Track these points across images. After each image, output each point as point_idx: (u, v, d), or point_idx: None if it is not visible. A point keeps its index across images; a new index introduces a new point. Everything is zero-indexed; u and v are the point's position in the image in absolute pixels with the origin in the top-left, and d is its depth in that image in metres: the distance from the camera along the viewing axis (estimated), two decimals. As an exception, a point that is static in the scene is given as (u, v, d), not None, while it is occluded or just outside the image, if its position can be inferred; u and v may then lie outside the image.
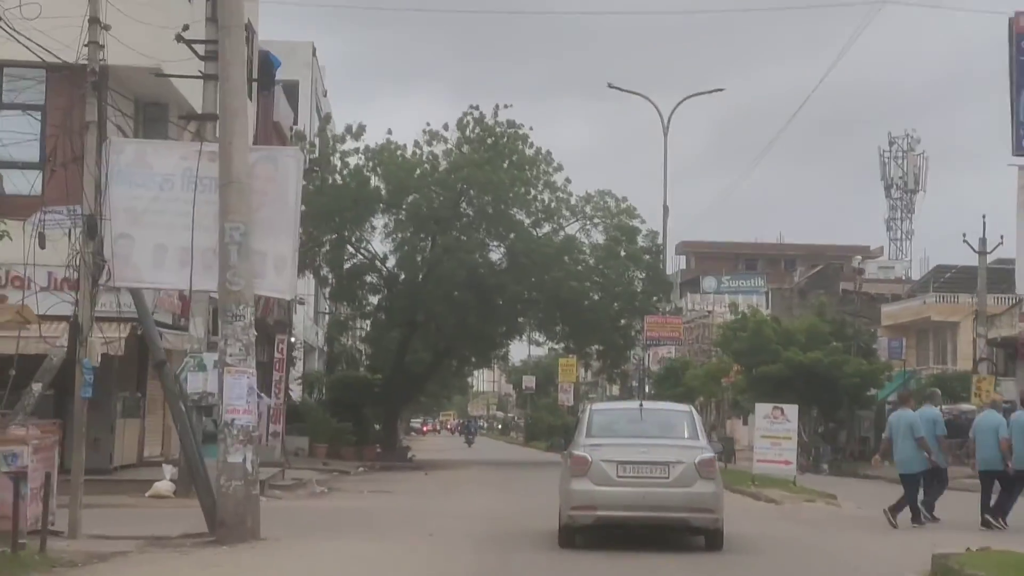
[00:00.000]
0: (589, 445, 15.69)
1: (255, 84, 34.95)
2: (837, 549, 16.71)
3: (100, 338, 18.15)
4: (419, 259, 47.26)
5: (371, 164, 46.49)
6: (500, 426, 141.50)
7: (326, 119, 49.45)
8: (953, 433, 26.11)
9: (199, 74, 23.36)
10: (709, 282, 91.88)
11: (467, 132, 47.38)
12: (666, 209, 42.42)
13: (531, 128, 47.83)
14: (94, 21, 16.55)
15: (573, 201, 48.71)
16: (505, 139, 47.33)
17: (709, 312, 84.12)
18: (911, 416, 19.70)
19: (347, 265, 48.26)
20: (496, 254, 48.35)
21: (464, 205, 47.44)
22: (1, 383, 16.87)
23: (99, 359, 16.75)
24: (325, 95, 64.06)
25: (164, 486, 22.63)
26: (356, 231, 47.25)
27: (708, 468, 15.35)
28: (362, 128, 46.63)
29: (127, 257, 16.33)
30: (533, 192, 47.79)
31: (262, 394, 23.24)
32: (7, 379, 16.91)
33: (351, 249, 48.28)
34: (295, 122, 47.57)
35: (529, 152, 47.89)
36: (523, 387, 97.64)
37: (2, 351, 18.17)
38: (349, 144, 46.63)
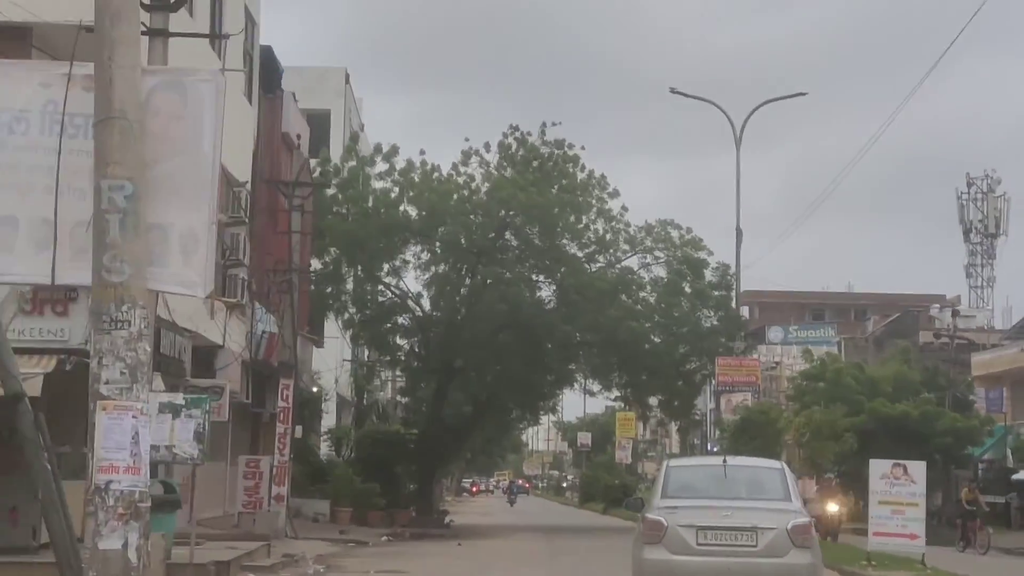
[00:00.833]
0: (665, 507, 14.11)
1: (255, 86, 29.73)
2: None
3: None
4: (456, 297, 41.70)
5: (401, 188, 41.09)
6: (543, 485, 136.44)
7: (354, 138, 43.94)
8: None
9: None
10: (776, 332, 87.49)
11: (510, 153, 41.90)
12: (739, 233, 36.57)
13: (583, 148, 42.40)
14: None
15: (631, 231, 43.03)
16: (553, 161, 41.81)
17: (776, 364, 79.83)
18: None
19: (374, 305, 42.70)
20: (544, 291, 42.78)
21: (508, 235, 41.88)
22: None
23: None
24: (362, 129, 58.83)
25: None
26: (385, 265, 41.73)
27: (804, 535, 13.71)
28: (395, 149, 41.39)
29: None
30: (585, 220, 42.15)
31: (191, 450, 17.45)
32: None
33: (380, 287, 42.77)
34: (327, 157, 42.27)
35: (581, 176, 42.34)
36: (578, 444, 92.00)
37: None
38: (379, 167, 41.29)
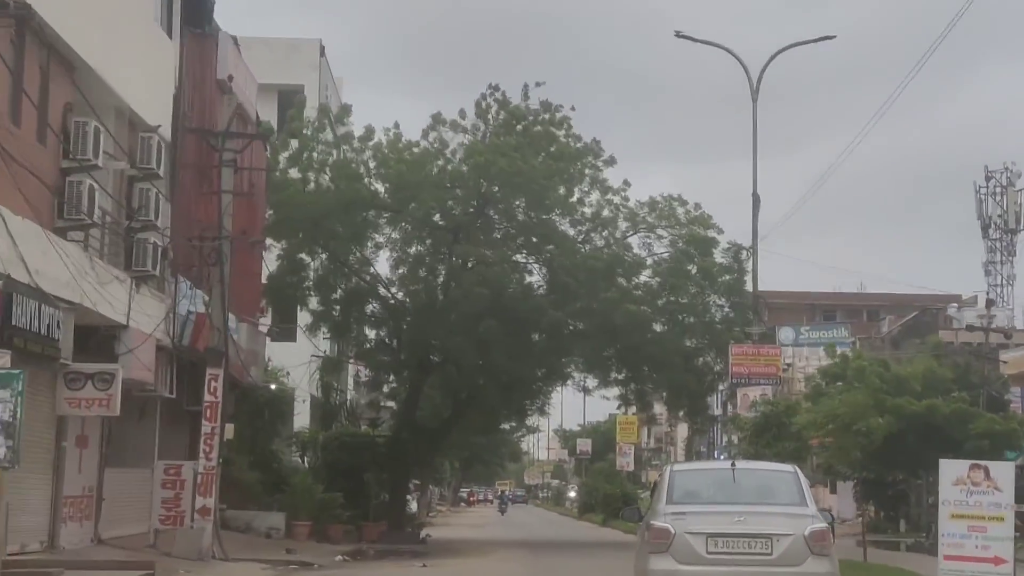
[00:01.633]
0: (672, 514, 13.09)
1: (176, 17, 24.74)
2: None
3: None
4: (433, 281, 36.61)
5: (366, 159, 36.03)
6: (544, 495, 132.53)
7: (324, 110, 38.40)
8: None
9: None
10: (787, 333, 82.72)
11: (489, 117, 36.76)
12: (756, 199, 31.41)
13: (573, 108, 37.19)
14: None
15: (631, 207, 37.89)
16: (539, 125, 36.64)
17: (788, 365, 75.40)
18: None
19: (341, 291, 37.55)
20: (534, 275, 37.73)
21: (490, 212, 36.82)
22: None
23: None
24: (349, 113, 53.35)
25: None
26: (352, 246, 36.61)
27: (821, 542, 12.79)
28: (347, 109, 36.20)
29: None
30: (578, 194, 37.05)
31: None
32: None
33: (347, 270, 37.65)
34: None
35: (573, 145, 37.19)
36: (578, 452, 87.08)
37: None
38: (338, 134, 36.21)
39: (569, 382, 41.44)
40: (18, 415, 12.89)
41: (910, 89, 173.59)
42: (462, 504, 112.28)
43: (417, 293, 36.49)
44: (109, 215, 22.34)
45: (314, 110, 38.19)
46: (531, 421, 56.36)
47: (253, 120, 31.38)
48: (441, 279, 36.83)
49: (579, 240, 37.52)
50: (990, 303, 53.77)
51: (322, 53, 51.83)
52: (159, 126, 23.18)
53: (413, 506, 57.34)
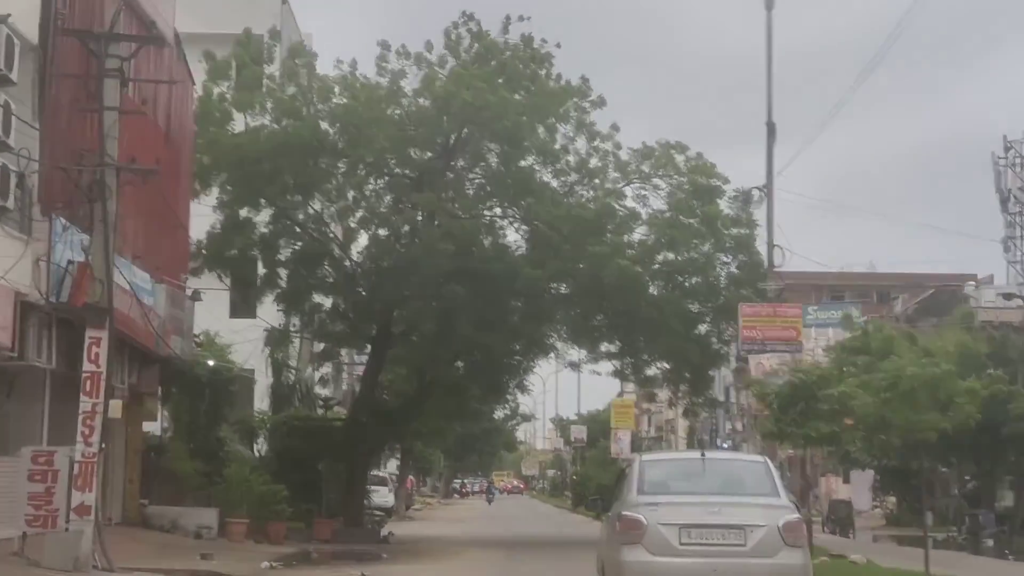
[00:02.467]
0: (644, 504, 12.96)
1: None
2: None
3: None
4: (390, 238, 31.53)
5: (314, 97, 30.91)
6: (540, 486, 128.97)
7: (294, 51, 32.87)
8: None
9: None
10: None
11: (461, 51, 31.66)
12: (771, 127, 26.26)
13: (558, 45, 32.07)
14: None
15: (624, 156, 32.76)
16: (519, 60, 31.51)
17: None
18: None
19: (288, 251, 32.45)
20: (506, 234, 32.66)
21: (456, 157, 31.70)
22: None
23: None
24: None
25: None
26: (297, 197, 31.52)
27: (795, 533, 12.90)
28: (298, 49, 31.32)
29: None
30: (561, 141, 31.95)
31: None
32: None
33: (296, 228, 32.54)
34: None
35: (555, 85, 32.10)
36: (572, 439, 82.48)
37: None
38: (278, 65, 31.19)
39: (552, 355, 36.13)
40: None
41: (930, 72, 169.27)
42: (455, 496, 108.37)
43: (373, 252, 31.37)
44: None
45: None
46: (512, 402, 50.85)
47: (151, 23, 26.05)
48: (402, 237, 31.72)
49: (563, 192, 32.45)
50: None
51: (284, 1, 46.95)
52: (8, 15, 18.03)
53: (390, 499, 52.58)
